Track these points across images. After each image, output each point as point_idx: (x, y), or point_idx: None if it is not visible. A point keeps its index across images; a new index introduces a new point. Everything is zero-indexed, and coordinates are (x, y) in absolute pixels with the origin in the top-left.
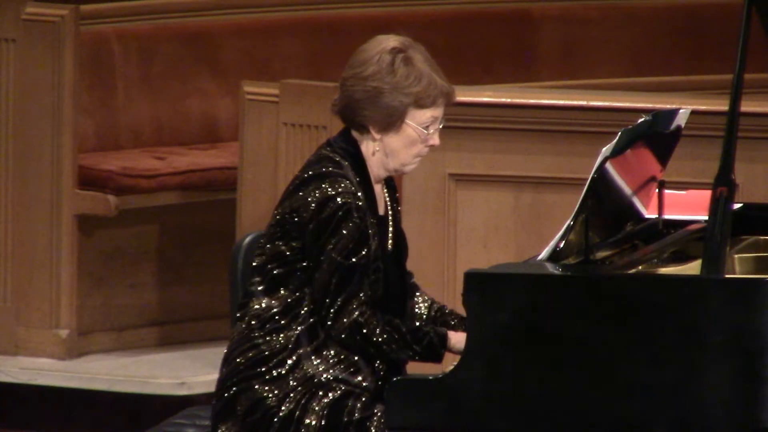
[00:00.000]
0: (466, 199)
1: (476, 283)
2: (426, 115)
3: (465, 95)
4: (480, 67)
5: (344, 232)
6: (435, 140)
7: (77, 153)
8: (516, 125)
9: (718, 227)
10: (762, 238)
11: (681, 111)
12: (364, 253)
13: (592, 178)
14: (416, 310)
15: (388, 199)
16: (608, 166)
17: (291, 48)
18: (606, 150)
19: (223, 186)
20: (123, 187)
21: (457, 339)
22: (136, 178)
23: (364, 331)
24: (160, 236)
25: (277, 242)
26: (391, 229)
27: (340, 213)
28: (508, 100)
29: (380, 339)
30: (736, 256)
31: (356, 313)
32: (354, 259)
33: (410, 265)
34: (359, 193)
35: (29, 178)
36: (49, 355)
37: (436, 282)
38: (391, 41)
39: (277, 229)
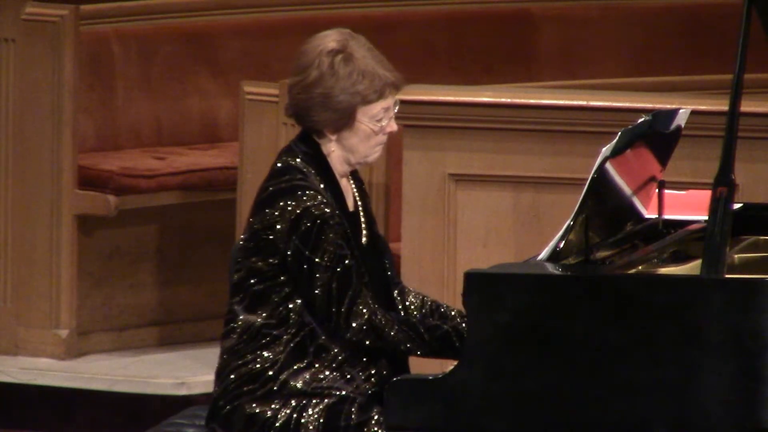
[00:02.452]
0: (466, 199)
1: (476, 283)
2: (376, 108)
3: (465, 95)
4: (480, 67)
5: (327, 239)
6: (392, 127)
7: (77, 153)
8: (516, 125)
9: (718, 227)
10: (762, 238)
11: (681, 111)
12: (350, 254)
13: (592, 178)
14: (410, 306)
15: (356, 192)
16: (608, 166)
17: (291, 48)
18: (606, 150)
19: (223, 186)
20: (123, 187)
21: None
22: (136, 178)
23: (379, 331)
24: (160, 236)
25: (253, 258)
26: (363, 222)
27: (317, 223)
28: (508, 100)
29: (396, 338)
30: (736, 256)
31: (366, 313)
32: (346, 262)
33: (410, 265)
34: (327, 200)
35: (29, 178)
36: (49, 355)
37: (436, 282)
38: (329, 42)
39: (251, 244)
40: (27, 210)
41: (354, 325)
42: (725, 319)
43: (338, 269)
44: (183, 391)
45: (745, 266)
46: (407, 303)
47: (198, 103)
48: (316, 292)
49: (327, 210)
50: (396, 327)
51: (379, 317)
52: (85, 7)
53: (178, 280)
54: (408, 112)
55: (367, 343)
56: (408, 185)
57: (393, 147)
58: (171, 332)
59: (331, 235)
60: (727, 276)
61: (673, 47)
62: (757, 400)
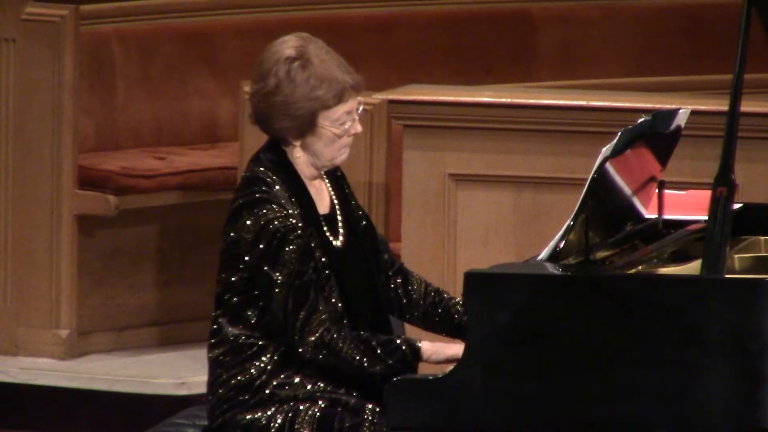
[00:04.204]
0: (466, 199)
1: (476, 283)
2: (338, 112)
3: (465, 95)
4: (480, 67)
5: (286, 254)
6: (356, 128)
7: (77, 153)
8: (516, 125)
9: (718, 227)
10: (762, 238)
11: (681, 111)
12: (312, 269)
13: (592, 178)
14: (413, 294)
15: (333, 193)
16: (608, 166)
17: None
18: (606, 150)
19: (223, 186)
20: (123, 187)
21: (434, 350)
22: (136, 178)
23: (332, 347)
24: (160, 236)
25: (227, 272)
26: (341, 223)
27: (277, 237)
28: (508, 100)
29: (349, 355)
30: (736, 256)
31: (320, 329)
32: (304, 278)
33: (410, 265)
34: (291, 211)
35: (29, 178)
36: (49, 355)
37: (436, 282)
38: (286, 49)
39: (224, 257)
40: (27, 210)
41: (306, 341)
42: (725, 319)
43: (295, 284)
44: (183, 391)
45: (745, 266)
46: (411, 292)
47: (198, 103)
48: (273, 307)
49: (288, 223)
50: (348, 342)
51: (331, 333)
52: (85, 7)
53: (178, 280)
54: (408, 112)
55: (321, 359)
56: (408, 185)
57: (393, 147)
58: (171, 332)
59: (290, 249)
60: (727, 276)
61: (673, 47)
62: (756, 400)
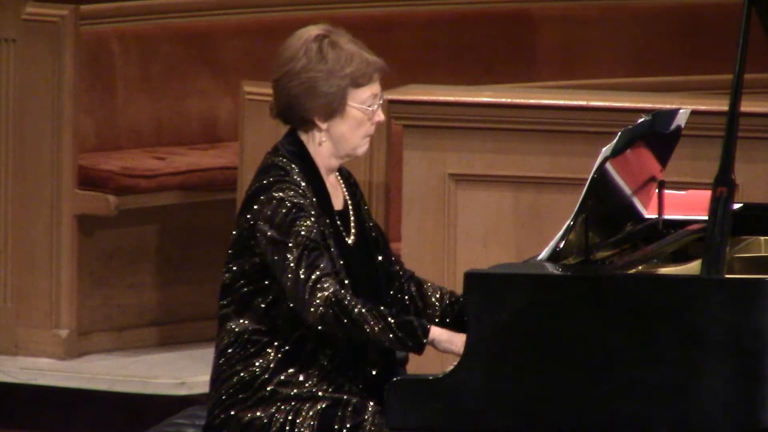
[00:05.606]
0: (466, 199)
1: (476, 283)
2: (366, 93)
3: (465, 95)
4: (480, 67)
5: (301, 227)
6: (379, 116)
7: (77, 153)
8: (516, 125)
9: (718, 227)
10: (762, 238)
11: (681, 111)
12: (324, 247)
13: (592, 178)
14: (429, 297)
15: (346, 192)
16: (608, 166)
17: None
18: (606, 150)
19: (223, 186)
20: (123, 187)
21: (442, 336)
22: (136, 178)
23: (344, 303)
24: (160, 236)
25: (240, 259)
26: (353, 221)
27: (293, 212)
28: (508, 100)
29: (360, 316)
30: (736, 256)
31: (334, 288)
32: (319, 247)
33: (410, 265)
34: (309, 195)
35: (29, 178)
36: (49, 355)
37: (436, 282)
38: (312, 30)
39: (237, 245)
40: (27, 210)
41: (318, 295)
42: (725, 319)
43: (310, 247)
44: (183, 391)
45: (745, 266)
46: (426, 296)
47: (198, 103)
48: (287, 274)
49: (303, 202)
50: (360, 306)
51: (345, 292)
52: (85, 7)
53: (178, 280)
54: (408, 112)
55: (329, 316)
56: (408, 185)
57: (393, 147)
58: (171, 332)
59: (304, 223)
60: (727, 276)
61: (673, 47)
62: (757, 400)
